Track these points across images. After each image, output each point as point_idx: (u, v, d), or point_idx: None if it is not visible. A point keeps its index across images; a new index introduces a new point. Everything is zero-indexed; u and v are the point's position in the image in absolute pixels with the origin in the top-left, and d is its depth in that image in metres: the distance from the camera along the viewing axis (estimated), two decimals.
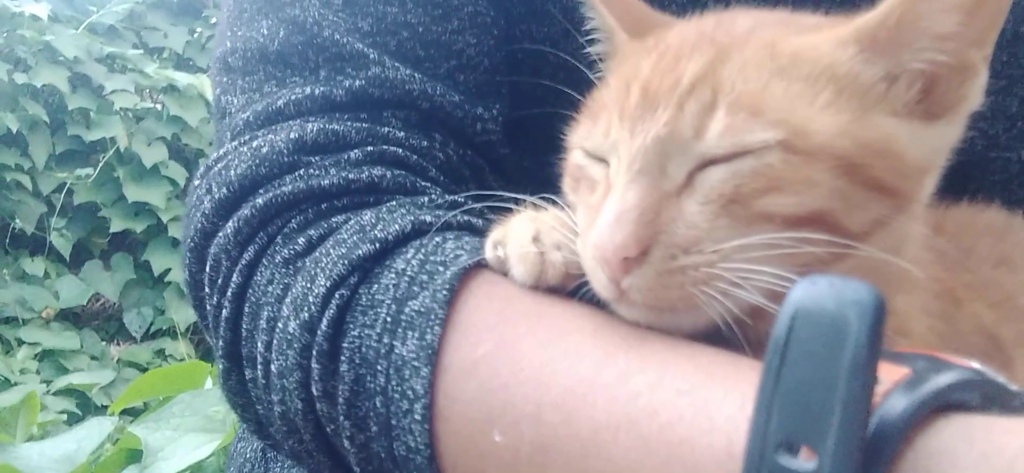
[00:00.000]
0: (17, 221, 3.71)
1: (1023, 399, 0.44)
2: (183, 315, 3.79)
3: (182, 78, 3.94)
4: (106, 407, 3.27)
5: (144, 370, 3.62)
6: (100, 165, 3.78)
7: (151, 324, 3.84)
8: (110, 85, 3.83)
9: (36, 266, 3.74)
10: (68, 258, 3.83)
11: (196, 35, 4.31)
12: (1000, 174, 0.83)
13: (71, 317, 3.79)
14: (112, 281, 3.85)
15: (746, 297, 0.50)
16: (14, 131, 3.62)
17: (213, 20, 4.35)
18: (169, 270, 3.80)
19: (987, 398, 0.43)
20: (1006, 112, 0.82)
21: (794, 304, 0.42)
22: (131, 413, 2.60)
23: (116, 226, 3.79)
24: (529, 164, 0.76)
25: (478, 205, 0.65)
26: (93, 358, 3.64)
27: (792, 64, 0.54)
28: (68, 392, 3.26)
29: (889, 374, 0.42)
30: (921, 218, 0.59)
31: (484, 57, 0.74)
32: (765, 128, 0.51)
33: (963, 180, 0.76)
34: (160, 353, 3.74)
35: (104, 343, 3.76)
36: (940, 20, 0.53)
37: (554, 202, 0.60)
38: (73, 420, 3.16)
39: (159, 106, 3.98)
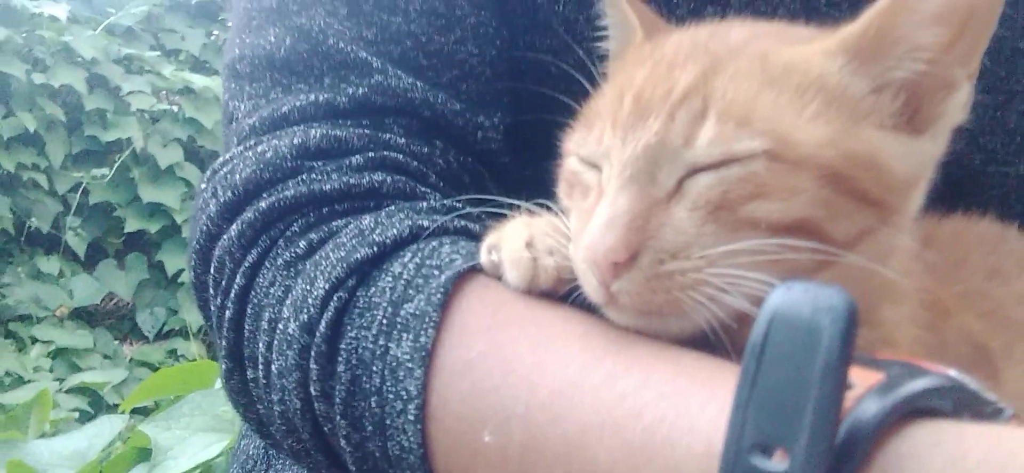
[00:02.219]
0: (33, 219, 3.75)
1: (996, 407, 0.45)
2: (195, 316, 3.81)
3: (198, 80, 3.97)
4: (118, 406, 3.30)
5: (156, 370, 3.64)
6: (116, 165, 3.82)
7: (164, 324, 3.87)
8: (127, 86, 3.87)
9: (51, 264, 3.78)
10: (83, 257, 3.86)
11: (213, 37, 4.35)
12: (997, 189, 0.84)
13: (85, 316, 3.83)
14: (126, 281, 3.88)
15: (732, 302, 0.51)
16: (31, 131, 3.66)
17: (230, 23, 4.37)
18: (182, 271, 3.82)
19: (960, 404, 0.44)
20: (1004, 126, 0.82)
21: (771, 309, 0.43)
22: (142, 412, 2.62)
23: (131, 226, 3.83)
24: (529, 172, 0.77)
25: (475, 210, 0.66)
26: (106, 357, 3.67)
27: (783, 75, 0.55)
28: (80, 390, 3.29)
29: (863, 379, 0.43)
30: (909, 230, 0.59)
31: (486, 67, 0.75)
32: (752, 137, 0.52)
33: (961, 194, 0.76)
34: (172, 353, 3.77)
35: (117, 342, 3.80)
36: (919, 32, 0.54)
37: (548, 207, 0.61)
38: (85, 418, 3.18)
39: (175, 108, 4.02)
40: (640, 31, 0.63)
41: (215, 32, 4.36)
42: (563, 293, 0.58)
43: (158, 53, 4.11)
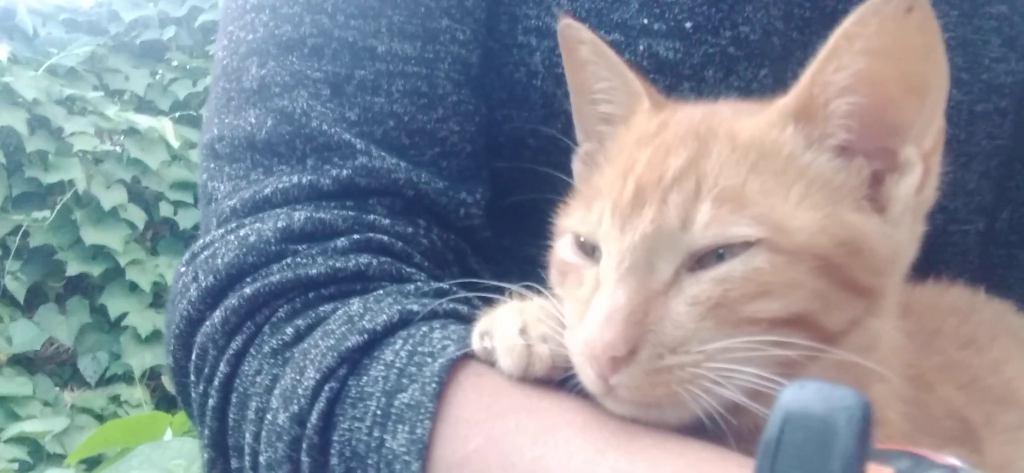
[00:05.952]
0: None
1: None
2: (139, 360, 3.74)
3: (143, 121, 3.90)
4: (59, 456, 3.21)
5: (98, 417, 3.56)
6: (57, 208, 3.73)
7: (106, 369, 3.78)
8: (69, 127, 3.78)
9: None
10: (22, 302, 3.76)
11: (158, 77, 4.28)
12: (958, 246, 0.85)
13: (24, 362, 3.72)
14: (67, 325, 3.78)
15: (728, 395, 0.52)
16: None
17: (175, 63, 4.34)
18: (126, 314, 3.74)
19: None
20: (965, 187, 0.84)
21: (784, 408, 0.44)
22: (87, 462, 2.56)
23: (72, 269, 3.73)
24: (509, 242, 0.77)
25: (462, 293, 0.66)
26: (46, 404, 3.58)
27: (759, 156, 0.56)
28: (20, 440, 3.20)
29: None
30: (892, 311, 0.60)
31: (467, 143, 0.75)
32: (749, 223, 0.53)
33: (922, 251, 0.78)
34: (115, 399, 3.68)
35: (58, 389, 3.70)
36: (835, 101, 0.56)
37: (537, 290, 0.61)
38: (24, 468, 3.10)
39: (119, 149, 3.94)
40: (647, 100, 0.63)
41: (160, 71, 4.30)
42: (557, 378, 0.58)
43: (102, 93, 4.03)
